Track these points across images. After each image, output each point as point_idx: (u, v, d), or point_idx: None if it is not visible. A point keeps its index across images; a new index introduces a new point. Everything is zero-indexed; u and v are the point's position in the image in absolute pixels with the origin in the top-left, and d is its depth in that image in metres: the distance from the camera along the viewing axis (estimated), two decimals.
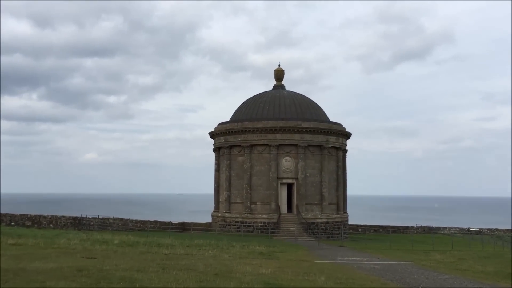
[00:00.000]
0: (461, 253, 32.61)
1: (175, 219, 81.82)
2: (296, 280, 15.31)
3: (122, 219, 49.99)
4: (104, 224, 46.55)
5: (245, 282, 14.22)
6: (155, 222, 52.01)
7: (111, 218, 48.97)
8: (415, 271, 20.13)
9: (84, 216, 46.81)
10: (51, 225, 45.19)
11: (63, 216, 46.88)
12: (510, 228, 74.38)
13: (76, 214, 48.98)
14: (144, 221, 51.61)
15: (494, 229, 71.87)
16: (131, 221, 49.80)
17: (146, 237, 36.68)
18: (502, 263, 25.58)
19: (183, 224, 54.59)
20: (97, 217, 47.72)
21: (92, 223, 46.37)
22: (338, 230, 50.36)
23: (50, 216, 46.33)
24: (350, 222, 58.99)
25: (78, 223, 45.71)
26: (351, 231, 58.26)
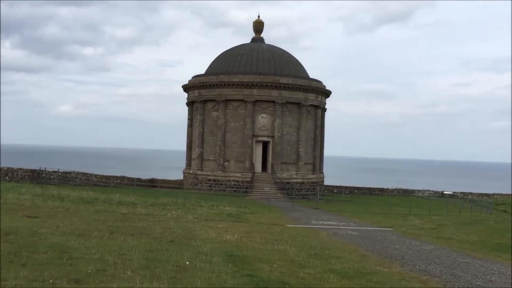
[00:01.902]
0: (439, 218, 31.28)
1: (151, 174, 79.32)
2: (263, 250, 13.21)
3: (85, 173, 47.19)
4: (65, 179, 43.76)
5: (203, 252, 12.01)
6: (122, 177, 49.48)
7: (73, 172, 46.14)
8: (396, 239, 18.36)
9: (44, 169, 43.91)
10: (6, 177, 42.20)
11: (20, 169, 43.76)
12: (483, 192, 74.63)
13: (46, 166, 46.03)
14: (110, 176, 48.98)
15: (468, 193, 71.90)
16: (96, 176, 47.11)
17: (109, 193, 34.36)
18: (485, 230, 24.17)
19: (152, 180, 52.27)
20: (57, 170, 44.87)
21: (52, 177, 43.55)
22: (313, 191, 48.83)
23: (6, 168, 43.21)
24: (325, 183, 57.62)
25: (37, 177, 42.82)
26: (326, 192, 56.97)
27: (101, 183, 44.38)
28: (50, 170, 44.61)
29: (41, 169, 43.67)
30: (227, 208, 27.72)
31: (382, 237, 18.71)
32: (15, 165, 49.03)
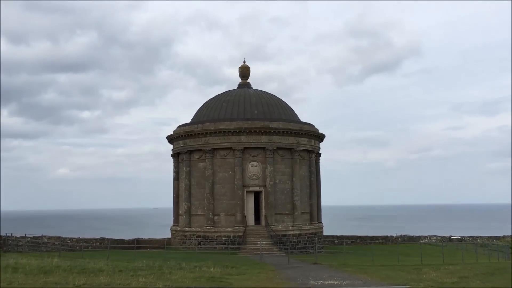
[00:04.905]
0: (457, 268, 27.24)
1: (144, 234, 74.66)
2: None
3: (59, 237, 42.96)
4: (35, 244, 39.51)
5: None
6: (102, 239, 45.14)
7: (45, 237, 41.90)
8: None
9: (10, 235, 39.72)
10: None
11: None
12: (492, 235, 70.22)
13: (34, 232, 41.79)
14: (89, 238, 44.77)
15: (476, 237, 67.51)
16: (71, 239, 42.83)
17: (81, 258, 30.33)
18: None
19: (137, 241, 47.86)
20: (24, 235, 40.60)
21: (20, 243, 39.28)
22: (312, 243, 44.66)
23: None
24: (325, 233, 53.38)
25: (2, 244, 38.55)
26: (326, 243, 52.66)
27: (77, 247, 40.09)
28: (18, 236, 40.40)
29: (7, 235, 39.51)
30: (211, 269, 23.74)
31: None
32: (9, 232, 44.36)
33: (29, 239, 40.68)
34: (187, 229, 47.18)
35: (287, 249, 41.64)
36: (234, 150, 46.01)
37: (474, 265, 30.03)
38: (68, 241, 42.24)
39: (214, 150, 46.63)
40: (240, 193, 45.67)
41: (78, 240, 43.18)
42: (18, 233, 41.38)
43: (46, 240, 41.12)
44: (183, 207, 48.44)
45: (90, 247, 38.88)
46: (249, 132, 45.96)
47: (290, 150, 47.22)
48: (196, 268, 24.25)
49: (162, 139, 52.16)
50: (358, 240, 57.46)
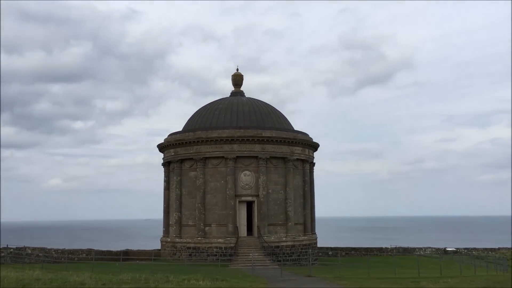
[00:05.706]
0: (456, 281, 26.24)
1: (135, 245, 73.12)
2: None
3: (43, 248, 41.52)
4: (19, 256, 38.03)
5: None
6: (89, 251, 43.70)
7: (28, 248, 40.44)
8: None
9: None
10: None
11: None
12: (488, 247, 69.35)
13: (26, 243, 40.14)
14: (75, 250, 43.33)
15: (471, 249, 66.61)
16: (56, 251, 41.39)
17: (64, 270, 28.99)
18: None
19: (126, 252, 46.42)
20: (6, 246, 39.14)
21: (3, 255, 37.78)
22: (306, 255, 43.50)
23: None
24: (319, 245, 52.22)
25: None
26: (320, 254, 51.49)
27: (62, 259, 38.64)
28: (1, 247, 38.96)
29: None
30: (200, 282, 22.57)
31: None
32: None
33: (11, 250, 39.21)
34: (177, 240, 45.88)
35: (280, 261, 40.51)
36: (226, 159, 44.95)
37: (473, 277, 29.04)
38: (53, 253, 40.80)
39: (205, 159, 45.54)
40: (232, 203, 44.52)
41: (63, 251, 41.76)
42: (2, 245, 39.94)
43: (29, 252, 39.69)
44: (173, 217, 47.21)
45: (76, 259, 37.53)
46: (241, 140, 44.95)
47: (284, 159, 46.23)
48: (184, 281, 23.07)
49: (155, 149, 51.06)
50: (353, 252, 56.32)
